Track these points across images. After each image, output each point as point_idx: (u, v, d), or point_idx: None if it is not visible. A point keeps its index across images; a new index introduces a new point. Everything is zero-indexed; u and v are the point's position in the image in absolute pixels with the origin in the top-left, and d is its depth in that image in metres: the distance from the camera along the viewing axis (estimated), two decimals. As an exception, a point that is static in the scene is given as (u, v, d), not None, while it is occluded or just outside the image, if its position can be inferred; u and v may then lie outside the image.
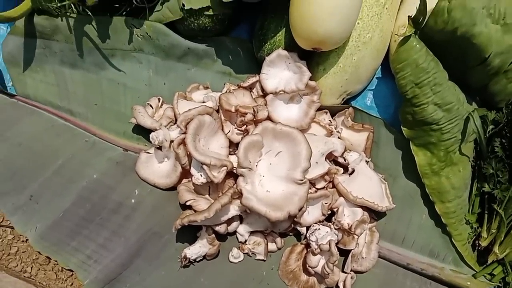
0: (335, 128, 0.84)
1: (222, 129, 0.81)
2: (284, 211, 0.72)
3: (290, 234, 0.85)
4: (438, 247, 0.83)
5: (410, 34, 0.72)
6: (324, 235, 0.77)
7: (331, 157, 0.83)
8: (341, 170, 0.83)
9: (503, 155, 0.78)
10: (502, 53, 0.73)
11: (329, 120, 0.86)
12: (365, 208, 0.80)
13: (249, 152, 0.74)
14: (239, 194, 0.73)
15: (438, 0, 0.71)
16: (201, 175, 0.75)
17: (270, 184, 0.76)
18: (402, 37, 0.73)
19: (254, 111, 0.79)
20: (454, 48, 0.75)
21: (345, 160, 0.83)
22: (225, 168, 0.74)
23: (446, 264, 0.82)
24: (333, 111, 0.87)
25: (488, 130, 0.80)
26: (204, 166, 0.73)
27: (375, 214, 0.84)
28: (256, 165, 0.77)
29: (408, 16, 0.72)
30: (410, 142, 0.81)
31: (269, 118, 0.81)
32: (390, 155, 0.86)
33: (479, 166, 0.82)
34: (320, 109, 0.85)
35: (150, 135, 0.81)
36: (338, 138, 0.83)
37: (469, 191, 0.84)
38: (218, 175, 0.74)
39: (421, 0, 0.69)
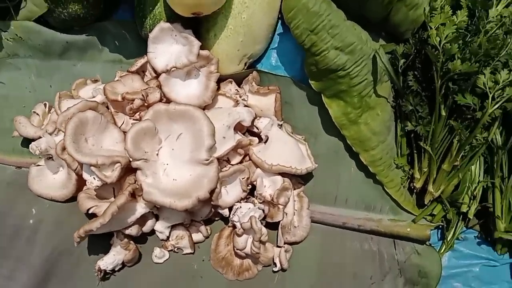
0: (241, 97, 0.77)
1: (114, 122, 0.72)
2: (192, 197, 0.65)
3: (216, 219, 0.78)
4: (373, 199, 0.78)
5: (294, -23, 0.66)
6: (246, 213, 0.70)
7: (243, 129, 0.77)
8: (256, 140, 0.76)
9: (418, 88, 0.73)
10: (392, -23, 0.67)
11: (236, 90, 0.80)
12: (285, 174, 0.74)
13: (142, 142, 0.67)
14: (141, 190, 0.66)
15: None
16: (94, 178, 0.67)
17: (176, 171, 0.69)
18: (288, -18, 0.66)
19: (142, 95, 0.71)
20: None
21: (257, 128, 0.76)
22: (118, 165, 0.66)
23: (384, 215, 0.77)
24: (238, 79, 0.80)
25: (400, 64, 0.75)
26: (93, 168, 0.65)
27: (301, 178, 0.77)
28: (157, 154, 0.70)
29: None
30: (322, 95, 0.75)
31: (167, 99, 0.73)
32: (306, 113, 0.80)
33: (399, 105, 0.77)
34: (224, 79, 0.79)
35: (30, 146, 0.71)
36: (245, 106, 0.76)
37: (395, 134, 0.78)
38: (111, 174, 0.66)
39: None
